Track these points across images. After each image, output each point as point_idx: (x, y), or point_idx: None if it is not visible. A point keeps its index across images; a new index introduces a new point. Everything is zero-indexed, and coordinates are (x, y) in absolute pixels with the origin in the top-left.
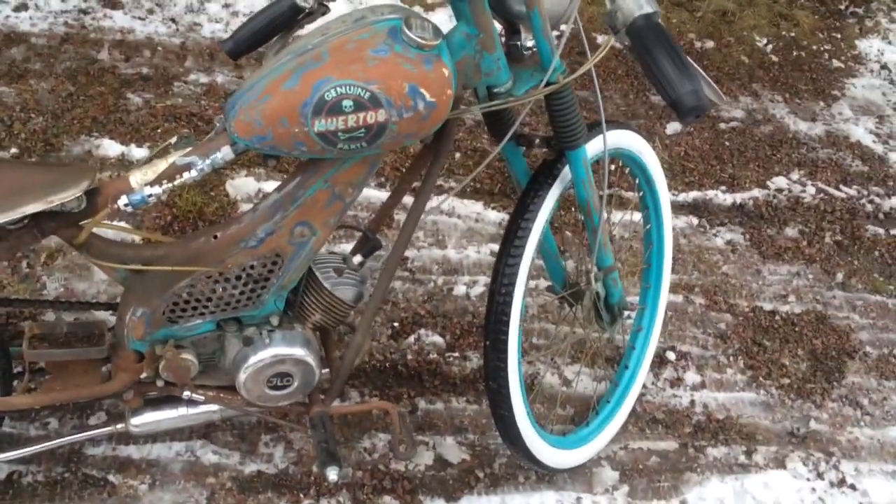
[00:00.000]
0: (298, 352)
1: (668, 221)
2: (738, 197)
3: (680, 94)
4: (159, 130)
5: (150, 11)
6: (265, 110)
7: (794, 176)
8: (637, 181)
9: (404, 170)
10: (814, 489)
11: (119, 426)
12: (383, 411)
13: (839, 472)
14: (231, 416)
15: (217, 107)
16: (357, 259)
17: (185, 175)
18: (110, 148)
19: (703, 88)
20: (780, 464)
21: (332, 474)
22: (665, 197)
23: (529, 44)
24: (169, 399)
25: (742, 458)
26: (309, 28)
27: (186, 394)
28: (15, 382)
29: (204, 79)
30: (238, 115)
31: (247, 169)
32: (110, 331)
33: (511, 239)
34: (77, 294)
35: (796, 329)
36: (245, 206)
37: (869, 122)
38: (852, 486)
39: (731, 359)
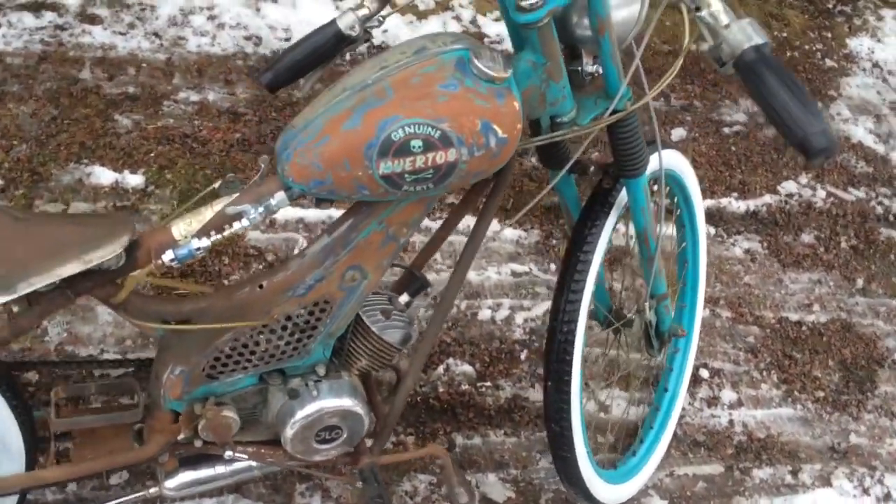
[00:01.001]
0: (347, 403)
1: (704, 240)
2: (752, 204)
3: (808, 135)
4: (153, 154)
5: (132, 26)
6: (324, 153)
7: (803, 180)
8: (675, 199)
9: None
10: None
11: (152, 490)
12: (432, 457)
13: (884, 487)
14: (271, 471)
15: (211, 126)
16: (404, 298)
17: (236, 225)
18: (102, 175)
19: (830, 126)
20: (826, 482)
21: None
22: (701, 215)
23: (590, 69)
24: (204, 457)
25: (788, 479)
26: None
27: (229, 454)
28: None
29: (194, 97)
30: (293, 157)
31: None
32: (142, 390)
33: (571, 273)
34: (81, 339)
35: (824, 339)
36: (251, 233)
37: (868, 122)
38: None
39: (764, 373)
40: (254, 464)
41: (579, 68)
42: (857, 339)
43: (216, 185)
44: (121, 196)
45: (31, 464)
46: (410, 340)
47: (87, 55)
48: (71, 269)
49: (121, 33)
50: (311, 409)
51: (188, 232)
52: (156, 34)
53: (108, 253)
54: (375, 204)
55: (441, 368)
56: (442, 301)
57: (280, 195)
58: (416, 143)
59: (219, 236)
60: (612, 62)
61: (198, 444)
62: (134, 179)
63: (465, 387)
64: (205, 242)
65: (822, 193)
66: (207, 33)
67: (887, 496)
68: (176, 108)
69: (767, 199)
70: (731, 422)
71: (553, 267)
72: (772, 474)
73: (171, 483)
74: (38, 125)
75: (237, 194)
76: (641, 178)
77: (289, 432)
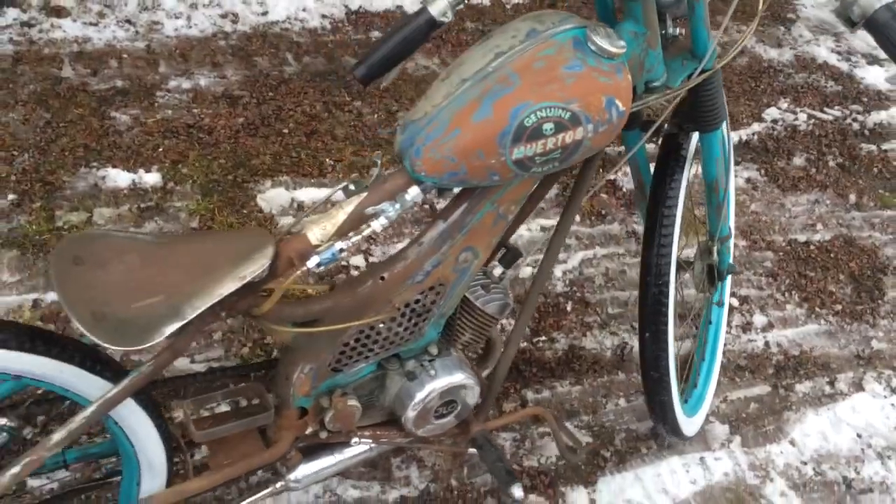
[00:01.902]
0: (460, 377)
1: (732, 176)
2: (743, 134)
3: None
4: (161, 150)
5: (101, 15)
6: (457, 146)
7: (783, 105)
8: None
9: None
10: (893, 405)
11: (279, 484)
12: (533, 417)
13: None
14: (386, 451)
15: (212, 113)
16: (497, 270)
17: (374, 223)
18: (118, 177)
19: None
20: (859, 387)
21: (518, 491)
22: (731, 157)
23: (674, 32)
24: (323, 447)
25: (827, 389)
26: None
27: (355, 440)
28: None
29: (186, 84)
30: (423, 153)
31: (271, 179)
32: (269, 392)
33: (657, 228)
34: None
35: (831, 255)
36: (282, 220)
37: (828, 42)
38: None
39: (786, 294)
40: (370, 446)
41: (663, 32)
42: (860, 252)
43: (339, 188)
44: (142, 196)
45: (170, 479)
46: (509, 310)
47: (63, 51)
48: (228, 287)
49: (92, 24)
50: (429, 388)
51: (324, 236)
52: (129, 21)
53: (258, 266)
54: (489, 187)
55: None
56: (539, 273)
57: (414, 190)
58: (548, 126)
59: (358, 237)
60: (703, 25)
61: (323, 435)
62: (151, 178)
63: (523, 344)
64: (346, 244)
65: (803, 116)
66: (181, 15)
67: None
68: (171, 98)
69: (756, 127)
70: (766, 344)
71: (577, 218)
72: (812, 387)
73: (295, 475)
74: (33, 131)
75: (365, 195)
76: (719, 131)
77: (410, 413)
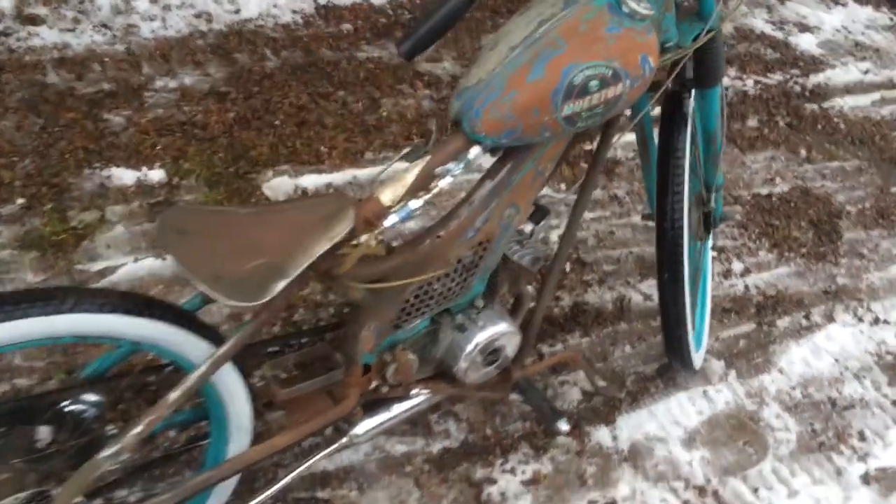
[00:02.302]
0: (504, 326)
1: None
2: None
3: None
4: (159, 147)
5: (77, 21)
6: (515, 105)
7: (731, 73)
8: None
9: None
10: (861, 331)
11: (344, 440)
12: (568, 361)
13: (872, 313)
14: (438, 401)
15: (202, 110)
16: (528, 227)
17: (441, 182)
18: (124, 176)
19: None
20: (831, 318)
21: (564, 425)
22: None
23: None
24: (379, 402)
25: (803, 322)
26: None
27: (414, 391)
28: None
29: (171, 83)
30: (483, 115)
31: (272, 169)
32: (337, 352)
33: (670, 179)
34: None
35: (792, 205)
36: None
37: (762, 14)
38: (885, 321)
39: (757, 242)
40: (422, 399)
41: None
42: (815, 200)
43: (400, 155)
44: (149, 193)
45: (253, 439)
46: (541, 264)
47: (44, 58)
48: (321, 247)
49: (69, 30)
50: (478, 338)
51: (396, 197)
52: (104, 25)
53: (344, 227)
54: (531, 146)
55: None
56: (567, 231)
57: (476, 149)
58: (594, 83)
59: (428, 195)
60: None
61: (384, 390)
62: (155, 175)
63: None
64: (419, 202)
65: (750, 82)
66: (156, 17)
67: (876, 319)
68: (159, 98)
69: None
70: (746, 287)
71: (563, 186)
72: (790, 322)
73: (359, 430)
74: (29, 137)
75: (429, 157)
76: (718, 87)
77: (462, 364)
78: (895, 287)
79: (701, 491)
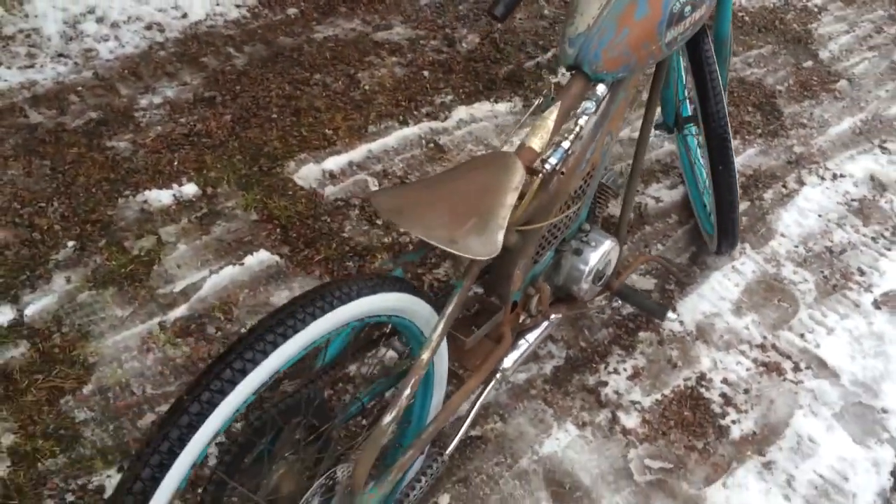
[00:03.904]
0: (609, 243)
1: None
2: None
3: None
4: (176, 163)
5: (31, 56)
6: (630, 41)
7: None
8: None
9: None
10: (827, 187)
11: (498, 375)
12: (649, 262)
13: (828, 170)
14: (556, 327)
15: (198, 118)
16: None
17: (581, 120)
18: (160, 196)
19: None
20: (802, 182)
21: (671, 313)
22: None
23: None
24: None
25: (783, 191)
26: None
27: (554, 317)
28: None
29: (156, 99)
30: (602, 55)
31: (292, 160)
32: (492, 296)
33: (709, 84)
34: None
35: (735, 94)
36: (325, 189)
37: None
38: (841, 175)
39: None
40: (549, 324)
41: None
42: (751, 87)
43: (531, 112)
44: (193, 207)
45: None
46: (621, 181)
47: (17, 99)
48: (511, 198)
49: (28, 66)
50: (594, 257)
51: (544, 142)
52: (61, 55)
53: (520, 178)
54: (624, 78)
55: None
56: (638, 147)
57: (601, 86)
58: (688, 9)
59: (573, 134)
60: None
61: (527, 321)
62: (189, 189)
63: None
64: (567, 143)
65: None
66: (108, 37)
67: (834, 176)
68: (152, 116)
69: None
70: None
71: None
72: (773, 193)
73: (507, 363)
74: (44, 181)
75: (559, 102)
76: None
77: (584, 284)
78: (837, 145)
79: (762, 347)
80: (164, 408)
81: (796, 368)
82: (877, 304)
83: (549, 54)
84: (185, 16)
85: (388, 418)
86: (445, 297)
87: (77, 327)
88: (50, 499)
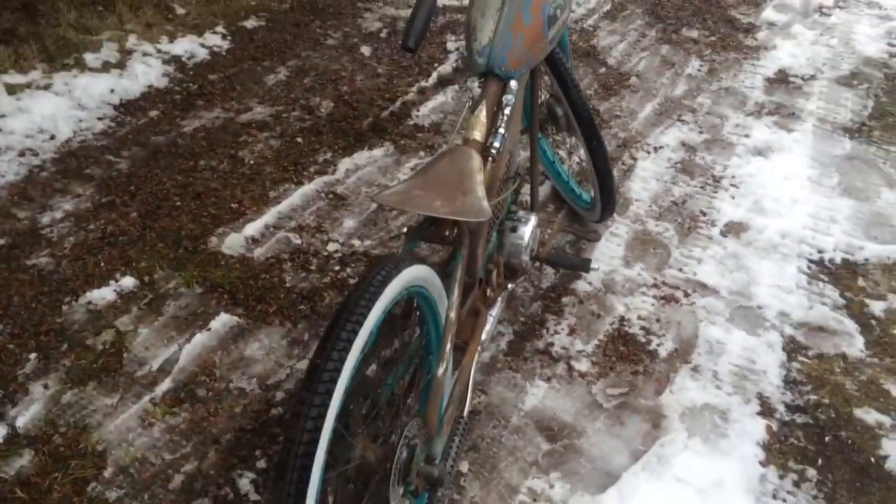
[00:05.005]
0: (534, 217)
1: None
2: None
3: None
4: (103, 264)
5: None
6: (525, 44)
7: None
8: None
9: None
10: (654, 158)
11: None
12: (559, 231)
13: (649, 144)
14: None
15: (105, 222)
16: None
17: (507, 109)
18: (104, 293)
19: None
20: (634, 158)
21: (593, 263)
22: None
23: None
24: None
25: (623, 167)
26: None
27: (508, 289)
28: None
29: (57, 214)
30: (507, 58)
31: (212, 235)
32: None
33: (567, 77)
34: None
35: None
36: (254, 252)
37: None
38: (660, 146)
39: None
40: (501, 299)
41: None
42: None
43: (466, 108)
44: (139, 295)
45: None
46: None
47: None
48: (480, 177)
49: None
50: (528, 231)
51: (483, 133)
52: None
53: (479, 161)
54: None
55: None
56: (532, 142)
57: (513, 82)
58: (558, 11)
59: (503, 118)
60: None
61: (490, 294)
62: (127, 282)
63: None
64: (503, 129)
65: None
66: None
67: (655, 148)
68: (60, 229)
69: None
70: None
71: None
72: (617, 170)
73: (483, 335)
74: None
75: (484, 101)
76: None
77: (524, 256)
78: (648, 125)
79: (656, 286)
80: (189, 468)
81: (686, 294)
82: (723, 234)
83: (398, 104)
84: (53, 137)
85: (440, 370)
86: (448, 268)
87: (73, 424)
88: None
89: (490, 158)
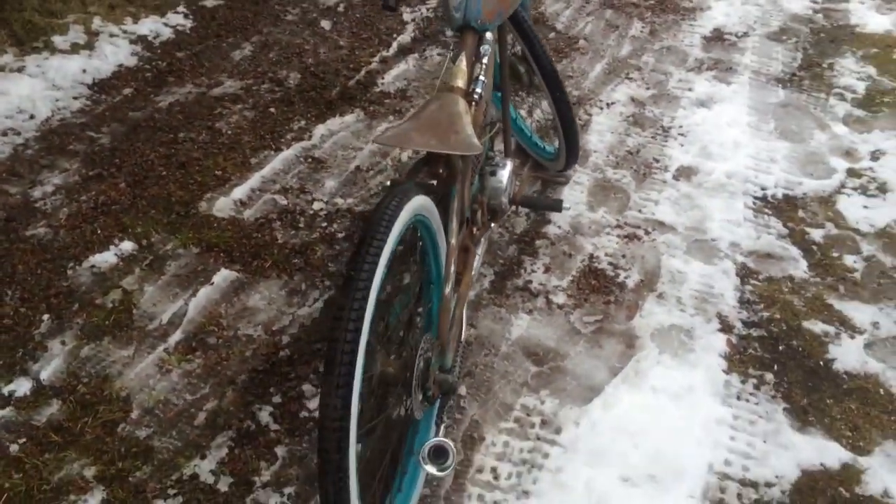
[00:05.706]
0: (510, 161)
1: None
2: None
3: None
4: (100, 231)
5: None
6: None
7: None
8: None
9: None
10: (607, 113)
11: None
12: (529, 178)
13: (602, 101)
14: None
15: (95, 193)
16: None
17: (484, 59)
18: (106, 257)
19: None
20: (589, 114)
21: (563, 203)
22: None
23: None
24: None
25: (580, 122)
26: None
27: (491, 229)
28: None
29: (48, 189)
30: (482, 11)
31: (202, 199)
32: None
33: (531, 34)
34: None
35: None
36: (244, 214)
37: None
38: (612, 102)
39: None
40: (484, 239)
41: None
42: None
43: (448, 60)
44: (139, 258)
45: None
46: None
47: None
48: (468, 118)
49: None
50: (506, 175)
51: (465, 80)
52: None
53: (464, 104)
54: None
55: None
56: (504, 95)
57: (489, 34)
58: None
59: (483, 67)
60: None
61: (476, 233)
62: (126, 245)
63: None
64: (482, 75)
65: None
66: None
67: (608, 104)
68: (52, 201)
69: None
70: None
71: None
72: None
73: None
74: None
75: (463, 52)
76: None
77: (504, 197)
78: (599, 84)
79: (620, 226)
80: (210, 406)
81: (647, 232)
82: (676, 177)
83: (362, 73)
84: (32, 117)
85: (447, 289)
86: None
87: (95, 374)
88: (155, 499)
89: (473, 103)
